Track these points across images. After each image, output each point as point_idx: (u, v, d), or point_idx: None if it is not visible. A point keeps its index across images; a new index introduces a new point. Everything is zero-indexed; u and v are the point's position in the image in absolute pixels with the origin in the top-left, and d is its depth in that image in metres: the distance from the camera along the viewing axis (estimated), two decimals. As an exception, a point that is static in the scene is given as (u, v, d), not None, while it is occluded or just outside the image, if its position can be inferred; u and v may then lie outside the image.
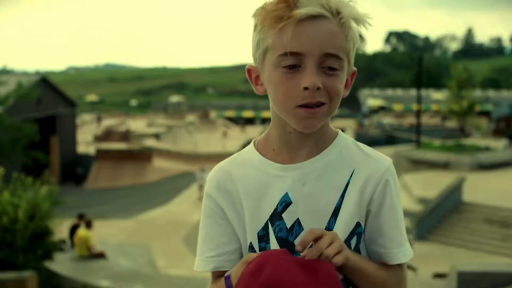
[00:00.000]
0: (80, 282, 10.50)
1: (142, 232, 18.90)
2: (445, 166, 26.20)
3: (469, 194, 19.40)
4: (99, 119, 67.45)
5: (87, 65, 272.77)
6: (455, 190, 19.22)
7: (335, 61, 1.15)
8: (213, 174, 1.29)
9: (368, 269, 1.20)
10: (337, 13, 1.15)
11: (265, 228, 1.22)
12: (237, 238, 1.26)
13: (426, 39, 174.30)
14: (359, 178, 1.22)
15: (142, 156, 36.76)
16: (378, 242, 1.24)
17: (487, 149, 29.64)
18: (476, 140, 36.75)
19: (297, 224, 1.20)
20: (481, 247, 16.99)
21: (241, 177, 1.25)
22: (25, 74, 48.74)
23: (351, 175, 1.22)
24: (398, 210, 1.26)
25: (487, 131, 48.49)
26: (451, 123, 34.60)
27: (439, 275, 13.58)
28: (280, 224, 1.20)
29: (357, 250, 1.24)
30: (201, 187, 23.77)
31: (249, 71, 1.25)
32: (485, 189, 20.94)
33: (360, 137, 50.09)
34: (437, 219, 18.64)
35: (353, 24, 1.18)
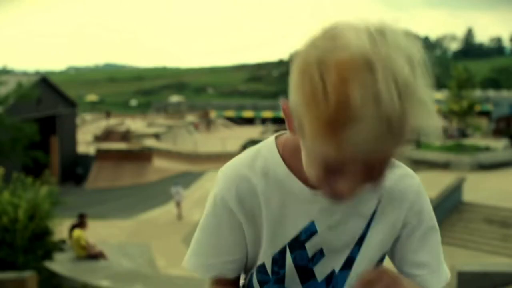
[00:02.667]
0: (80, 282, 10.50)
1: (142, 232, 18.91)
2: (445, 166, 26.22)
3: (469, 194, 19.41)
4: (108, 115, 68.01)
5: (87, 65, 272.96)
6: (455, 190, 19.24)
7: (385, 165, 0.93)
8: (231, 181, 1.12)
9: None
10: (399, 127, 0.85)
11: (282, 251, 1.13)
12: (245, 250, 1.17)
13: (426, 39, 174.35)
14: (385, 210, 1.14)
15: (142, 156, 36.78)
16: (409, 267, 1.16)
17: (487, 149, 29.66)
18: (476, 140, 36.76)
19: (319, 252, 1.13)
20: (481, 247, 17.00)
21: (264, 190, 1.11)
22: (25, 74, 48.81)
23: (379, 202, 1.13)
24: (430, 237, 1.18)
25: (487, 131, 48.50)
26: (454, 124, 34.69)
27: None
28: (302, 254, 1.13)
29: None
30: (178, 204, 22.27)
31: (284, 108, 0.99)
32: (485, 189, 20.95)
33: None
34: (437, 219, 18.45)
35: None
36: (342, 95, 0.81)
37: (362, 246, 1.14)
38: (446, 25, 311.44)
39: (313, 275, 1.14)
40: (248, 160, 1.14)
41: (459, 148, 28.71)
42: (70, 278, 10.70)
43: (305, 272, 1.14)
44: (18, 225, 9.81)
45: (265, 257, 1.15)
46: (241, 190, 1.11)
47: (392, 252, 1.18)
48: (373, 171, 0.90)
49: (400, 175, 1.17)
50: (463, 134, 36.09)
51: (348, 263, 1.14)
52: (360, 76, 0.81)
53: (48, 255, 10.45)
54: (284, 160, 1.11)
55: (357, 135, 0.83)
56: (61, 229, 11.66)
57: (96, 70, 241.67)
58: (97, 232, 14.10)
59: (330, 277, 1.14)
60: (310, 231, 1.11)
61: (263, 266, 1.16)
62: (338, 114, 0.81)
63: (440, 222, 19.99)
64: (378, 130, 0.82)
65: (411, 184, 1.17)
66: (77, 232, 12.68)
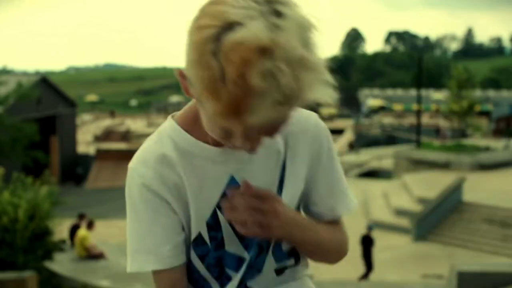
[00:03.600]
0: (80, 282, 10.51)
1: (142, 232, 18.88)
2: (445, 166, 26.21)
3: (469, 194, 19.39)
4: (112, 115, 68.22)
5: (87, 65, 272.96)
6: (455, 190, 19.22)
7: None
8: (146, 164, 1.13)
9: (315, 228, 1.19)
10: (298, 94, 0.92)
11: (213, 216, 1.14)
12: (183, 229, 1.16)
13: (426, 39, 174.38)
14: (294, 146, 1.19)
15: None
16: (319, 199, 1.23)
17: (487, 149, 29.65)
18: (476, 140, 36.76)
19: None
20: (481, 247, 16.99)
21: (179, 161, 1.13)
22: (25, 74, 48.82)
23: (286, 145, 1.18)
24: (335, 165, 1.24)
25: (487, 131, 48.50)
26: (453, 123, 34.74)
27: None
28: None
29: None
30: None
31: (180, 73, 1.01)
32: (485, 189, 20.94)
33: (361, 137, 50.20)
34: (437, 219, 18.64)
35: None
36: (240, 78, 0.86)
37: (283, 190, 1.17)
38: (446, 25, 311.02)
39: None
40: (154, 142, 1.17)
41: (459, 148, 28.69)
42: (70, 278, 10.70)
43: None
44: (18, 225, 9.81)
45: (200, 226, 1.15)
46: (159, 167, 1.13)
47: (307, 188, 1.22)
48: (272, 131, 0.99)
49: (300, 113, 1.19)
50: (462, 134, 36.09)
51: None
52: (257, 59, 0.86)
53: (48, 255, 10.44)
54: (186, 131, 1.15)
55: (259, 110, 0.90)
56: (61, 229, 11.66)
57: (96, 70, 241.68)
58: (97, 232, 14.10)
59: None
60: (232, 186, 1.13)
61: (199, 236, 1.15)
62: (239, 96, 0.88)
63: (440, 222, 19.95)
64: (277, 104, 0.90)
65: (311, 118, 1.21)
66: (83, 233, 12.75)
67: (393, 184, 25.64)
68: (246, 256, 1.17)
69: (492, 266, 9.92)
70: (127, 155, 39.12)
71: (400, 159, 29.92)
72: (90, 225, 13.41)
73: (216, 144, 1.11)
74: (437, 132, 42.81)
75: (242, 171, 1.15)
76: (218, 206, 1.14)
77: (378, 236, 15.16)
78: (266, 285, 1.21)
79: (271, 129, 0.98)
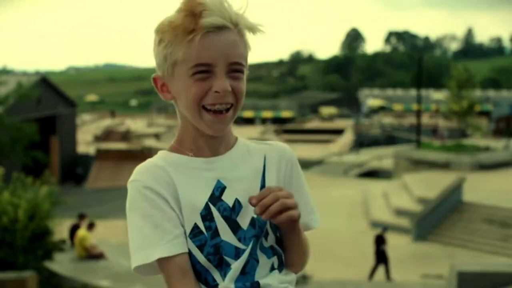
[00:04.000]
0: (80, 282, 10.51)
1: (142, 232, 18.86)
2: (445, 166, 26.21)
3: (469, 194, 19.40)
4: (112, 114, 68.19)
5: (87, 65, 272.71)
6: (455, 190, 19.22)
7: (239, 67, 1.32)
8: (143, 173, 1.34)
9: (302, 232, 1.42)
10: (236, 24, 1.31)
11: (206, 208, 1.32)
12: (180, 222, 1.33)
13: (426, 39, 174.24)
14: (272, 162, 1.43)
15: (142, 156, 36.38)
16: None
17: (487, 149, 29.64)
18: (476, 140, 36.76)
19: (237, 203, 1.34)
20: (481, 247, 16.99)
21: (169, 168, 1.34)
22: (25, 74, 48.75)
23: (264, 160, 1.43)
24: (305, 184, 1.48)
25: (487, 131, 48.50)
26: (453, 123, 34.68)
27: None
28: (223, 204, 1.34)
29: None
30: None
31: (155, 80, 1.38)
32: (485, 189, 20.94)
33: (361, 137, 50.19)
34: (437, 219, 18.64)
35: (247, 33, 1.36)
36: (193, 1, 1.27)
37: None
38: (446, 25, 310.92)
39: (239, 225, 1.33)
40: (148, 161, 1.38)
41: (459, 148, 28.68)
42: (70, 278, 10.71)
43: (232, 223, 1.33)
44: (18, 225, 9.81)
45: (194, 218, 1.32)
46: (154, 172, 1.33)
47: None
48: (233, 67, 1.30)
49: (277, 142, 1.50)
50: (462, 134, 36.07)
51: None
52: None
53: (48, 255, 10.44)
54: (172, 152, 1.40)
55: (209, 15, 1.25)
56: (61, 229, 11.66)
57: (96, 70, 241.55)
58: (97, 232, 14.11)
59: (253, 222, 1.34)
60: (220, 187, 1.35)
61: (195, 227, 1.32)
62: (194, 5, 1.26)
63: (440, 222, 19.93)
64: (222, 17, 1.27)
65: (286, 146, 1.49)
66: (82, 233, 12.73)
67: (393, 184, 25.65)
68: (242, 246, 1.31)
69: (492, 266, 9.93)
70: (127, 155, 39.00)
71: (400, 159, 29.93)
72: (90, 227, 13.41)
73: (200, 156, 1.37)
74: (434, 132, 42.79)
75: (227, 176, 1.37)
76: (209, 200, 1.33)
77: (378, 236, 15.19)
78: (264, 275, 1.34)
79: (230, 65, 1.29)
